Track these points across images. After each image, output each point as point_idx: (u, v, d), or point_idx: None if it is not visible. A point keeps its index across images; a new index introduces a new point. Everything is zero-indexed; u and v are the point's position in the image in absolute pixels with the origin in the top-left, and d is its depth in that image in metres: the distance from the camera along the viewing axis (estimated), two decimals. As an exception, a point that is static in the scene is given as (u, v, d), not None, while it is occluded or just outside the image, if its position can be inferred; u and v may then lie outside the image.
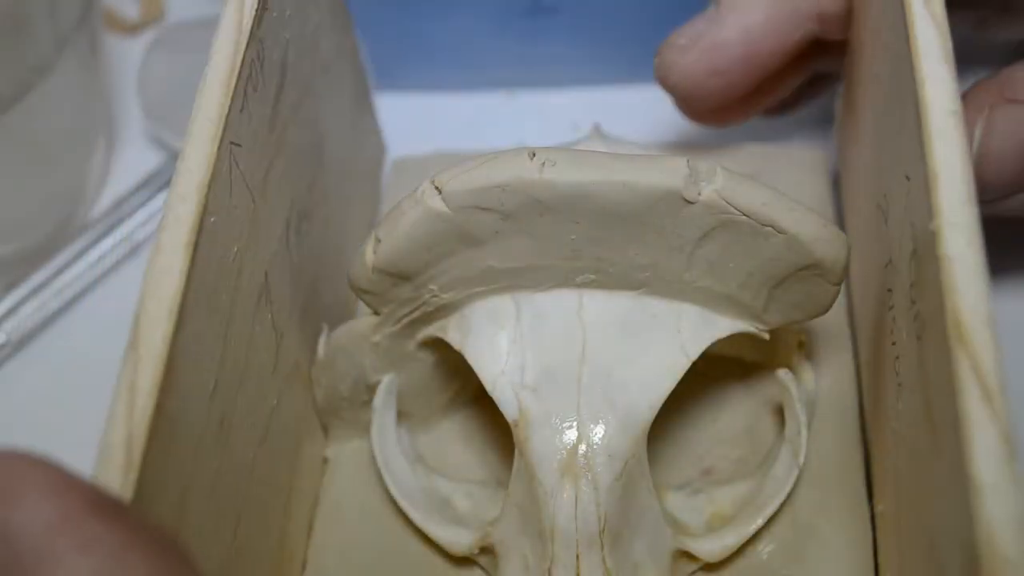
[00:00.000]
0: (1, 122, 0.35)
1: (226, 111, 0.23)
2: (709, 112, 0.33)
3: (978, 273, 0.20)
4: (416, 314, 0.27)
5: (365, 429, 0.30)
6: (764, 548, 0.27)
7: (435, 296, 0.27)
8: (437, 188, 0.25)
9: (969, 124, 0.28)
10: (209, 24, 0.40)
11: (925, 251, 0.21)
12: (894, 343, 0.25)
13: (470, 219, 0.25)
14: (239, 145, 0.24)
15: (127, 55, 0.44)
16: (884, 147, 0.27)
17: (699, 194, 0.24)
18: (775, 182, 0.26)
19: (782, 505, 0.27)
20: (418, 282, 0.26)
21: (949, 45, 0.23)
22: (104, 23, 0.45)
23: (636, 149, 0.30)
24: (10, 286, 0.37)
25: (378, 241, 0.26)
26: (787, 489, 0.27)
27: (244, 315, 0.25)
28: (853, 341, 0.31)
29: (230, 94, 0.23)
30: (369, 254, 0.26)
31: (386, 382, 0.29)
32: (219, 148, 0.23)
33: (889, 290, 0.26)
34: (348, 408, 0.30)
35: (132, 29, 0.45)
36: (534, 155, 0.24)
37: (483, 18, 0.40)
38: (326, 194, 0.31)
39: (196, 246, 0.22)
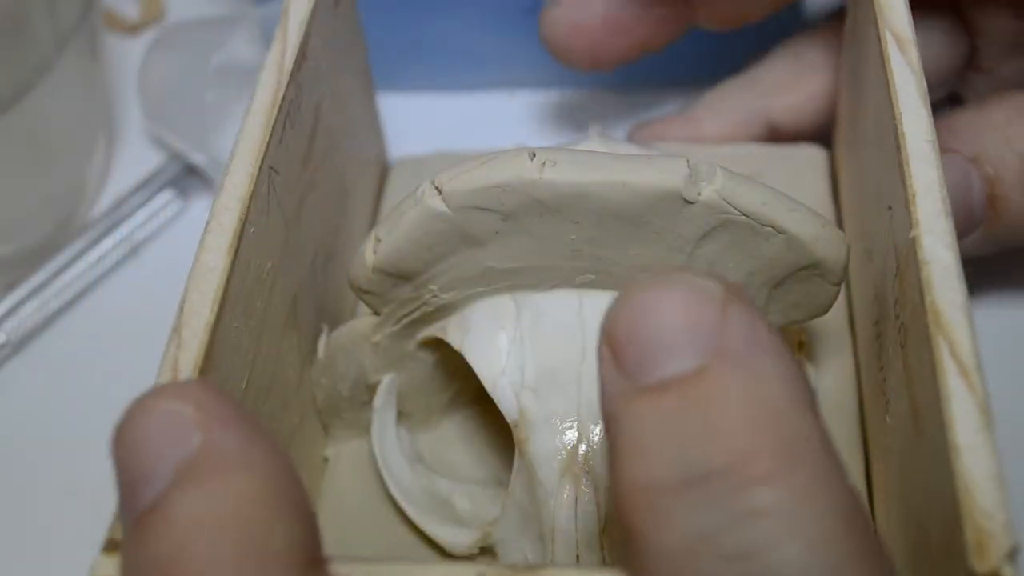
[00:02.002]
0: (1, 122, 0.35)
1: (267, 138, 0.26)
2: (580, 63, 0.36)
3: (954, 272, 0.22)
4: (416, 314, 0.27)
5: (365, 429, 0.30)
6: (764, 548, 0.27)
7: (435, 296, 0.27)
8: (437, 188, 0.25)
9: None
10: (209, 24, 0.40)
11: (906, 263, 0.23)
12: (881, 367, 0.26)
13: (470, 219, 0.25)
14: (277, 172, 0.26)
15: (127, 55, 0.44)
16: (868, 192, 0.29)
17: (699, 194, 0.24)
18: (775, 182, 0.26)
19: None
20: (418, 282, 0.26)
21: (924, 87, 0.25)
22: (104, 23, 0.45)
23: (636, 149, 0.30)
24: (10, 286, 0.37)
25: (378, 241, 0.26)
26: None
27: (274, 328, 0.27)
28: (853, 341, 0.31)
29: (271, 125, 0.26)
30: (369, 254, 0.26)
31: (386, 382, 0.29)
32: (259, 170, 0.25)
33: (876, 322, 0.27)
34: (348, 408, 0.30)
35: (132, 29, 0.45)
36: (534, 155, 0.24)
37: (483, 18, 0.40)
38: (352, 242, 0.33)
39: (237, 250, 0.24)
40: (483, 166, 0.24)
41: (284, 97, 0.26)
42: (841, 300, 0.31)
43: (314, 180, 0.29)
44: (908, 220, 0.23)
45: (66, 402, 0.36)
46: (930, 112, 0.25)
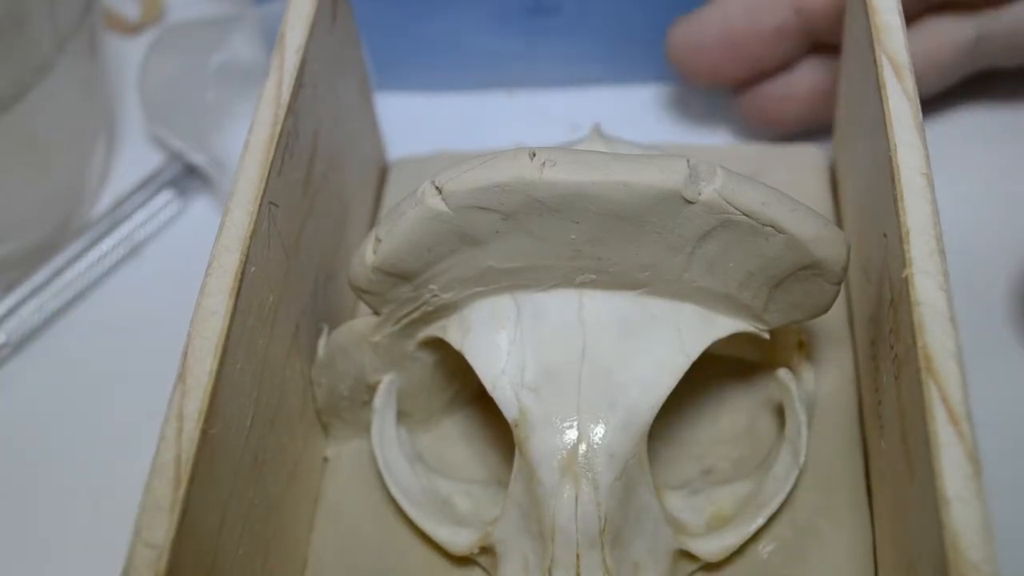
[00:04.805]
0: (1, 122, 0.35)
1: (266, 174, 0.26)
2: (702, 78, 0.37)
3: (946, 315, 0.22)
4: (416, 314, 0.27)
5: (365, 429, 0.30)
6: (764, 548, 0.28)
7: (435, 296, 0.27)
8: (437, 188, 0.25)
9: None
10: (209, 24, 0.40)
11: (900, 298, 0.23)
12: (877, 389, 0.27)
13: (470, 219, 0.25)
14: (276, 205, 0.26)
15: (127, 55, 0.44)
16: (865, 211, 0.29)
17: (699, 194, 0.24)
18: (775, 182, 0.26)
19: (782, 505, 0.27)
20: (418, 282, 0.26)
21: (919, 116, 0.25)
22: (104, 23, 0.45)
23: (636, 149, 0.30)
24: (10, 286, 0.37)
25: (378, 241, 0.26)
26: (787, 489, 0.27)
27: (277, 360, 0.27)
28: (853, 341, 0.31)
29: (269, 160, 0.26)
30: (369, 254, 0.26)
31: (386, 382, 0.29)
32: (259, 207, 0.25)
33: (873, 342, 0.27)
34: (348, 408, 0.30)
35: (132, 29, 0.45)
36: (534, 155, 0.24)
37: (483, 18, 0.40)
38: (352, 254, 0.33)
39: (238, 293, 0.24)
40: (483, 166, 0.24)
41: (282, 130, 0.26)
42: (841, 300, 0.31)
43: (314, 204, 0.29)
44: (902, 256, 0.23)
45: (66, 402, 0.36)
46: (925, 144, 0.25)
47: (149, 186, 0.40)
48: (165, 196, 0.40)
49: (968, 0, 0.35)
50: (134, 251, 0.39)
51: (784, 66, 0.37)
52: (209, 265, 0.24)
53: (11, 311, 0.37)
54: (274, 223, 0.26)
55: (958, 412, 0.21)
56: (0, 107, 0.35)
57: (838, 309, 0.31)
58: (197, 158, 0.39)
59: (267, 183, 0.26)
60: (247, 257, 0.24)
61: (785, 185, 0.26)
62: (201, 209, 0.40)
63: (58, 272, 0.38)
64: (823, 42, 0.36)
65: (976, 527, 0.19)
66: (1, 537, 0.33)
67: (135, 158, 0.42)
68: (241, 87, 0.39)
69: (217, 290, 0.24)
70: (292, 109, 0.27)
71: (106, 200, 0.41)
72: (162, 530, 0.21)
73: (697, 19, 0.37)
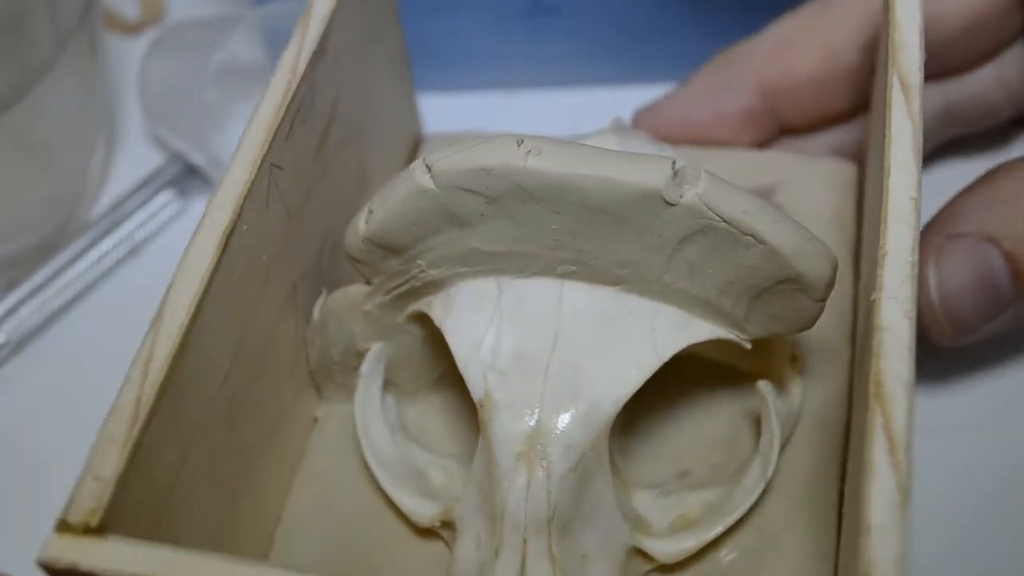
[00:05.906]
0: (1, 122, 0.35)
1: (271, 136, 0.26)
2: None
3: (906, 344, 0.22)
4: (404, 288, 0.27)
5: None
6: (726, 556, 0.27)
7: (423, 272, 0.27)
8: (427, 166, 0.25)
9: (922, 269, 0.29)
10: (209, 24, 0.41)
11: (869, 321, 0.23)
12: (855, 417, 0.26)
13: (456, 199, 0.25)
14: (280, 168, 0.27)
15: (127, 55, 0.45)
16: (870, 230, 0.28)
17: (680, 197, 0.24)
18: (798, 193, 0.25)
19: (749, 515, 0.27)
20: (406, 256, 0.26)
21: (920, 139, 0.25)
22: (104, 23, 0.45)
23: (649, 146, 0.30)
24: (10, 286, 0.37)
25: (370, 212, 0.26)
26: (751, 500, 0.27)
27: (267, 316, 0.27)
28: (852, 359, 0.30)
29: (276, 123, 0.26)
30: (362, 224, 0.26)
31: (375, 350, 0.29)
32: (259, 168, 0.26)
33: (859, 366, 0.27)
34: (339, 372, 0.30)
35: (132, 29, 0.46)
36: (521, 142, 0.24)
37: (483, 18, 0.40)
38: None
39: (226, 247, 0.24)
40: (472, 149, 0.24)
41: (294, 96, 0.27)
42: (847, 318, 0.30)
43: (326, 170, 0.29)
44: (875, 278, 0.23)
45: (66, 402, 0.36)
46: (920, 168, 0.24)
47: (149, 186, 0.40)
48: (165, 196, 0.40)
49: (934, 69, 0.34)
50: (134, 251, 0.39)
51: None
52: (201, 220, 0.25)
53: (11, 311, 0.37)
54: (276, 185, 0.27)
55: (898, 441, 0.20)
56: (0, 107, 0.35)
57: (842, 326, 0.30)
58: (197, 158, 0.39)
59: (271, 145, 0.26)
60: (240, 215, 0.25)
61: (809, 198, 0.25)
62: (201, 209, 0.40)
63: (58, 272, 0.38)
64: (791, 126, 0.36)
65: (891, 558, 0.19)
66: (1, 537, 0.33)
67: (135, 158, 0.42)
68: (241, 87, 0.39)
69: (204, 243, 0.24)
70: (308, 77, 0.27)
71: (106, 200, 0.41)
72: (112, 463, 0.21)
73: (660, 108, 0.36)
